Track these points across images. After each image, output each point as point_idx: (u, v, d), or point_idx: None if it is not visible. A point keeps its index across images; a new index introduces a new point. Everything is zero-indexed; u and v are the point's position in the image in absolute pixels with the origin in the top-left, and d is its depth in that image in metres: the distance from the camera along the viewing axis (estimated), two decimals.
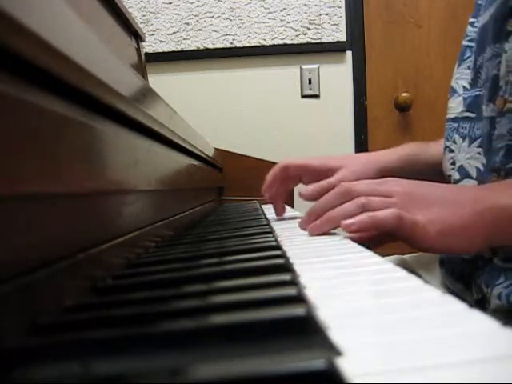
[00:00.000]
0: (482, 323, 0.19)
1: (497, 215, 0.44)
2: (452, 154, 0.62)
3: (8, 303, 0.21)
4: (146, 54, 1.36)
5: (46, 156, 0.24)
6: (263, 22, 1.89)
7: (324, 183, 0.65)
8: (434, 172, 0.69)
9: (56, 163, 0.25)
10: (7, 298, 0.21)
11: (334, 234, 0.49)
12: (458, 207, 0.45)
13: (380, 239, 0.53)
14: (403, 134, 1.91)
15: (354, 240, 0.45)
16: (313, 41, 1.88)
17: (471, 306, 0.20)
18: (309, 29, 1.88)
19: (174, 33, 1.89)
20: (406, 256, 0.73)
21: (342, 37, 1.88)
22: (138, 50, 1.14)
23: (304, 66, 1.89)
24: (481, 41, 0.60)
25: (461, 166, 0.60)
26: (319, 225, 0.49)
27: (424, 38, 1.92)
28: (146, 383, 0.16)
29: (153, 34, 1.88)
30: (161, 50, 1.89)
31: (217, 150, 1.25)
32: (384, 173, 0.68)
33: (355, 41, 1.89)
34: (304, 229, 0.52)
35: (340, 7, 1.88)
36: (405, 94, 1.88)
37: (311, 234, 0.49)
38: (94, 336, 0.20)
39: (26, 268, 0.23)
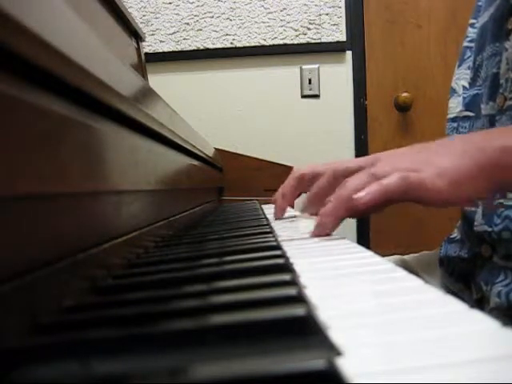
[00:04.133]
0: (482, 323, 0.19)
1: (503, 157, 0.42)
2: None
3: (8, 303, 0.21)
4: (146, 54, 1.36)
5: (45, 156, 0.24)
6: (263, 22, 1.89)
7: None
8: None
9: (56, 163, 0.25)
10: (7, 298, 0.21)
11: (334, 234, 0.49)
12: (464, 156, 0.43)
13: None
14: (403, 134, 1.91)
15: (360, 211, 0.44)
16: (313, 41, 1.88)
17: (471, 306, 0.20)
18: (309, 29, 1.88)
19: (174, 33, 1.89)
20: (405, 256, 0.74)
21: (341, 37, 1.88)
22: (138, 50, 1.14)
23: (304, 66, 1.89)
24: (480, 40, 0.60)
25: None
26: (333, 208, 0.45)
27: (424, 38, 1.92)
28: (146, 383, 0.16)
29: (153, 34, 1.88)
30: (161, 50, 1.89)
31: (217, 150, 1.25)
32: None
33: (355, 41, 1.89)
34: (312, 213, 0.51)
35: (340, 7, 1.88)
36: (405, 94, 1.88)
37: (327, 221, 0.46)
38: (94, 336, 0.20)
39: (26, 268, 0.23)
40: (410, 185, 0.42)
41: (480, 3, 0.64)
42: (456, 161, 0.42)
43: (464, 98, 0.63)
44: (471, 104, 0.61)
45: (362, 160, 0.51)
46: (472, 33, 0.66)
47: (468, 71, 0.64)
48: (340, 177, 0.48)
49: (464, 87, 0.64)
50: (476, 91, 0.61)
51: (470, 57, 0.65)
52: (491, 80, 0.55)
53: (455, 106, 0.64)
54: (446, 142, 0.48)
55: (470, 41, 0.66)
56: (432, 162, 0.43)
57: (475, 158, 0.42)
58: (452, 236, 0.64)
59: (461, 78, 0.65)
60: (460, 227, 0.63)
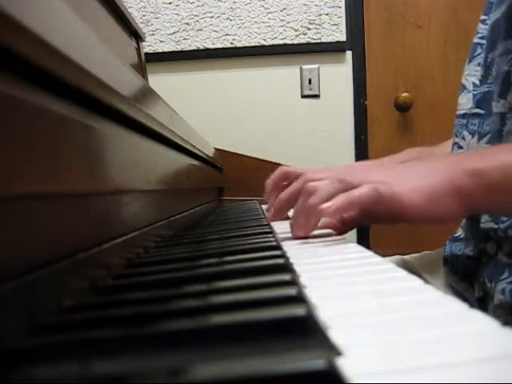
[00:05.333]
0: (481, 323, 0.19)
1: (473, 179, 0.42)
2: (461, 151, 0.62)
3: (8, 303, 0.21)
4: (146, 54, 1.36)
5: (46, 156, 0.24)
6: (263, 22, 1.89)
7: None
8: None
9: (56, 163, 0.25)
10: (7, 298, 0.21)
11: (334, 234, 0.49)
12: (437, 174, 0.43)
13: (359, 221, 0.51)
14: (403, 134, 1.91)
15: (334, 228, 0.44)
16: (313, 41, 1.88)
17: (472, 305, 0.20)
18: (309, 29, 1.88)
19: (174, 33, 1.89)
20: (407, 256, 0.73)
21: (341, 37, 1.88)
22: (138, 50, 1.14)
23: (304, 66, 1.89)
24: (492, 37, 0.60)
25: None
26: (303, 220, 0.46)
27: (424, 38, 1.91)
28: (146, 383, 0.16)
29: (153, 34, 1.88)
30: (161, 50, 1.89)
31: (217, 150, 1.25)
32: None
33: (355, 41, 1.89)
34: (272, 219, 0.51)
35: (340, 7, 1.88)
36: (405, 94, 1.87)
37: (297, 234, 0.46)
38: (94, 336, 0.20)
39: (26, 268, 0.23)
40: (381, 197, 0.41)
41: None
42: (427, 180, 0.43)
43: (474, 94, 0.62)
44: (482, 101, 0.61)
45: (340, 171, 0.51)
46: (483, 29, 0.65)
47: (478, 68, 0.63)
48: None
49: (474, 84, 0.63)
50: (487, 88, 0.60)
51: (480, 54, 0.64)
52: (503, 78, 0.55)
53: (465, 102, 0.64)
54: (415, 163, 0.49)
55: (481, 37, 0.64)
56: (404, 179, 0.44)
57: (445, 180, 0.42)
58: (456, 235, 0.64)
59: (471, 74, 0.64)
60: (464, 225, 0.63)
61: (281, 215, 0.51)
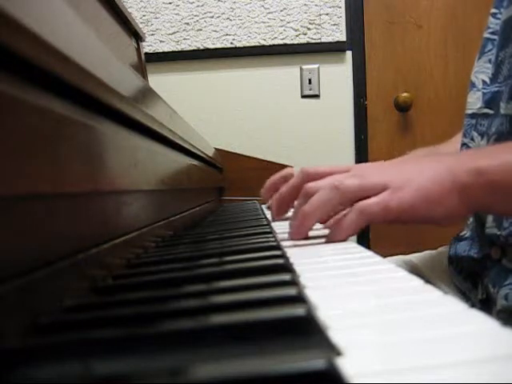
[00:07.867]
0: (481, 323, 0.19)
1: (475, 177, 0.41)
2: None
3: (8, 303, 0.21)
4: (146, 54, 1.36)
5: (45, 156, 0.24)
6: (263, 22, 1.89)
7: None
8: None
9: (56, 163, 0.25)
10: (7, 298, 0.21)
11: None
12: (438, 174, 0.43)
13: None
14: (403, 134, 1.91)
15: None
16: (313, 41, 1.88)
17: (474, 305, 0.20)
18: (309, 29, 1.88)
19: (174, 33, 1.89)
20: (409, 256, 0.73)
21: (341, 37, 1.88)
22: (138, 49, 1.14)
23: (304, 66, 1.89)
24: (504, 35, 0.57)
25: None
26: (298, 224, 0.46)
27: (424, 38, 1.91)
28: (146, 383, 0.16)
29: (153, 34, 1.88)
30: (161, 50, 1.89)
31: (217, 150, 1.25)
32: None
33: (355, 41, 1.89)
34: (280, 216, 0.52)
35: (340, 7, 1.88)
36: (405, 94, 1.88)
37: (294, 238, 0.47)
38: (94, 336, 0.20)
39: (26, 268, 0.23)
40: (390, 211, 0.42)
41: None
42: (427, 181, 0.43)
43: (484, 93, 0.60)
44: (491, 101, 0.59)
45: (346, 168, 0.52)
46: (494, 24, 0.62)
47: (489, 65, 0.61)
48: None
49: (484, 82, 0.61)
50: (497, 88, 0.58)
51: (491, 50, 0.61)
52: None
53: (474, 101, 0.61)
54: (416, 160, 0.48)
55: (492, 32, 0.62)
56: (406, 178, 0.43)
57: (447, 178, 0.42)
58: (461, 234, 0.63)
59: (480, 71, 0.62)
60: (472, 226, 0.62)
61: (284, 210, 0.51)
